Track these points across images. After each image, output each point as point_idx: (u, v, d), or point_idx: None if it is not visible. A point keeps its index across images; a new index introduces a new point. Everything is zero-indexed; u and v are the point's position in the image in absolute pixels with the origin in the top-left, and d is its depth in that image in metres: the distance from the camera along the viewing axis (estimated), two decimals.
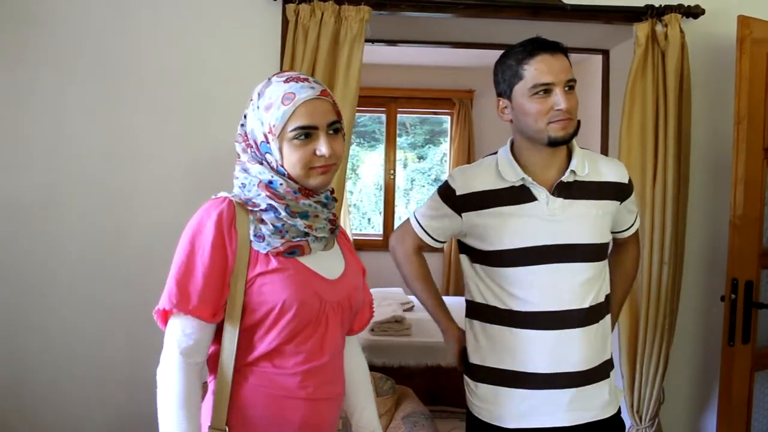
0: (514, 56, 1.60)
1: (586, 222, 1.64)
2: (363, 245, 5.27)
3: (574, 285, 1.62)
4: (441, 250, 5.34)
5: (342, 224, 5.73)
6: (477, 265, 1.70)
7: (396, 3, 2.44)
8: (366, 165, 6.31)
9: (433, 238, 1.77)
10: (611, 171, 1.71)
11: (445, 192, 1.72)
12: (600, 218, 1.67)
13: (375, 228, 6.13)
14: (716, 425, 2.37)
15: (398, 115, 5.79)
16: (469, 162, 5.30)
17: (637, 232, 1.88)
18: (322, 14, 2.34)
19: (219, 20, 2.45)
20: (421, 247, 1.83)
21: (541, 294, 1.61)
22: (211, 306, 1.21)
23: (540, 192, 1.62)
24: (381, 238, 5.65)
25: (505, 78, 1.62)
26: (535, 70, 1.56)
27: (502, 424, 1.66)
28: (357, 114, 2.54)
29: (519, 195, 1.63)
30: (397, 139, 5.88)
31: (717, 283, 2.40)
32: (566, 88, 1.57)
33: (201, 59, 2.44)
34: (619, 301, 1.91)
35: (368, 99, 5.33)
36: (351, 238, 5.82)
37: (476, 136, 5.59)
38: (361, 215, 6.36)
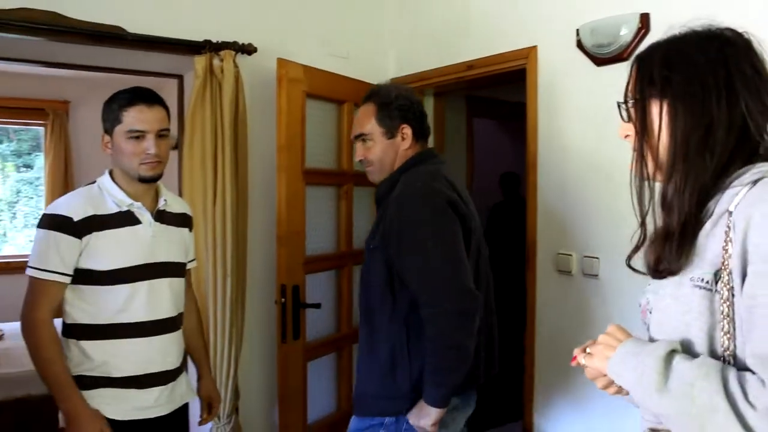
0: (118, 101, 1.86)
1: (175, 244, 2.02)
2: None
3: (169, 297, 1.96)
4: None
5: None
6: (82, 287, 1.84)
7: None
8: None
9: (66, 274, 1.82)
10: (180, 205, 2.11)
11: (57, 223, 1.80)
12: (180, 242, 2.05)
13: None
14: (278, 411, 2.73)
15: None
16: (66, 177, 5.12)
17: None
18: None
19: None
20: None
21: (145, 306, 1.89)
22: None
23: (145, 216, 1.91)
24: None
25: (108, 118, 1.88)
26: (132, 117, 1.83)
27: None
28: None
29: (127, 219, 1.88)
30: None
31: (274, 289, 2.74)
32: (159, 136, 1.86)
33: None
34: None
35: None
36: None
37: (74, 148, 5.28)
38: None
